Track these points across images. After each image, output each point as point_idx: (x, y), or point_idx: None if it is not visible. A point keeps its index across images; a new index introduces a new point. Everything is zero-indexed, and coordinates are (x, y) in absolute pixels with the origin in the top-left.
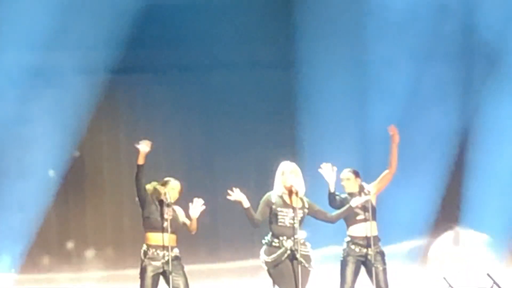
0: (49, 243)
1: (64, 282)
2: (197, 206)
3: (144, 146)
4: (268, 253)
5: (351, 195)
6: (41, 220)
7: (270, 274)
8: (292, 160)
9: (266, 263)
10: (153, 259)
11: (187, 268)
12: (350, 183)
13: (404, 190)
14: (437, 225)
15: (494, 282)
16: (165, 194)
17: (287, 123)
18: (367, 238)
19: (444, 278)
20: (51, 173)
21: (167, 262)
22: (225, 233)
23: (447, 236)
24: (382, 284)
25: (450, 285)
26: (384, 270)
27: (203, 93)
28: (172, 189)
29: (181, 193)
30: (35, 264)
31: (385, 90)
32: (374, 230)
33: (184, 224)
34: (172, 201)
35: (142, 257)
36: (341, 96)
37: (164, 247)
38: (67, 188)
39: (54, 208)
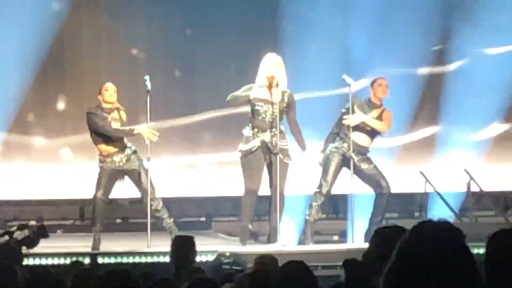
0: (27, 125)
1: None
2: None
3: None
4: (244, 143)
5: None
6: (20, 101)
7: (240, 163)
8: (273, 51)
9: (240, 151)
10: (109, 162)
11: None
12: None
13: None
14: (415, 124)
15: (471, 178)
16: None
17: (269, 14)
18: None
19: (421, 172)
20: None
21: (125, 161)
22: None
23: (425, 132)
24: (378, 177)
25: (426, 179)
26: (375, 167)
27: None
28: (114, 92)
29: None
30: (12, 148)
31: None
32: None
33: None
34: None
35: (99, 162)
36: None
37: (118, 152)
38: (46, 71)
39: (33, 90)
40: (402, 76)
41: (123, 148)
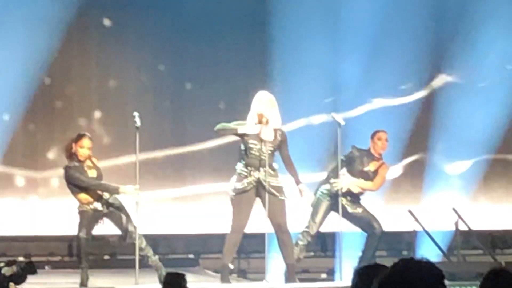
0: (14, 160)
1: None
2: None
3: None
4: (237, 181)
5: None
6: (8, 141)
7: (231, 199)
8: (262, 87)
9: (233, 189)
10: (91, 210)
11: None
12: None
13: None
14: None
15: (459, 217)
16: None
17: (258, 53)
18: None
19: (409, 211)
20: (19, 95)
21: (106, 206)
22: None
23: (414, 169)
24: (369, 218)
25: (415, 218)
26: (365, 210)
27: (174, 21)
28: (88, 149)
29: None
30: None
31: (356, 26)
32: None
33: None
34: (82, 159)
35: (79, 207)
36: (313, 27)
37: (97, 198)
38: (35, 111)
39: (22, 131)
40: (390, 108)
41: (100, 194)
